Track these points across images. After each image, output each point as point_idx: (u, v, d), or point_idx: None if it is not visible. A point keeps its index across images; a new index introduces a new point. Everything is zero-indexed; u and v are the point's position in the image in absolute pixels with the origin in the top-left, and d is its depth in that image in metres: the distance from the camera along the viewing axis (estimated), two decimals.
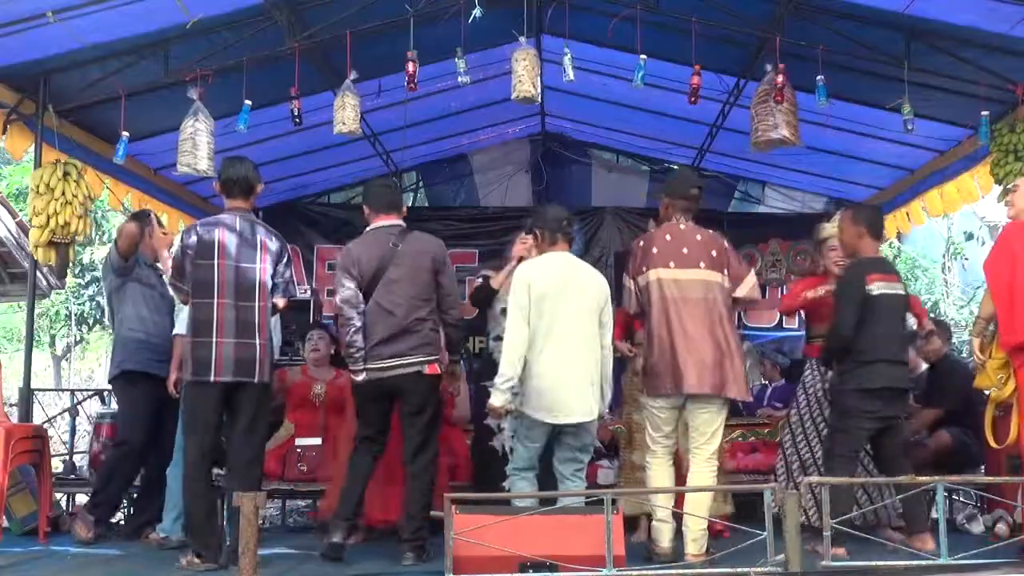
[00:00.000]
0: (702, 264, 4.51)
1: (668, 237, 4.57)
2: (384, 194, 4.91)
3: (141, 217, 5.53)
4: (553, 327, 4.40)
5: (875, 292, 4.71)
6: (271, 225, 4.82)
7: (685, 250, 4.52)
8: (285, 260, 4.65)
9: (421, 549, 4.51)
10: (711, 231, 4.67)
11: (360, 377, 4.62)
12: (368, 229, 4.81)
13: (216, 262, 4.45)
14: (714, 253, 4.55)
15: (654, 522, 4.53)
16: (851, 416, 4.71)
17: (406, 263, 4.64)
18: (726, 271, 4.60)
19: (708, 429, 4.48)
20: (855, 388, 4.70)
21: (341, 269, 4.71)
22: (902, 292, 4.88)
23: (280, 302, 4.62)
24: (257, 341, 4.47)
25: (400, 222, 4.80)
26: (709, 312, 4.46)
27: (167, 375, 5.19)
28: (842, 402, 4.78)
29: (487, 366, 5.23)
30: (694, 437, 4.52)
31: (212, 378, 4.39)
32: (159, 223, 5.62)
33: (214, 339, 4.40)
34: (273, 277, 4.58)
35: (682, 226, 4.61)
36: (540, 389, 4.39)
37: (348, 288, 4.65)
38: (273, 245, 4.61)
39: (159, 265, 5.38)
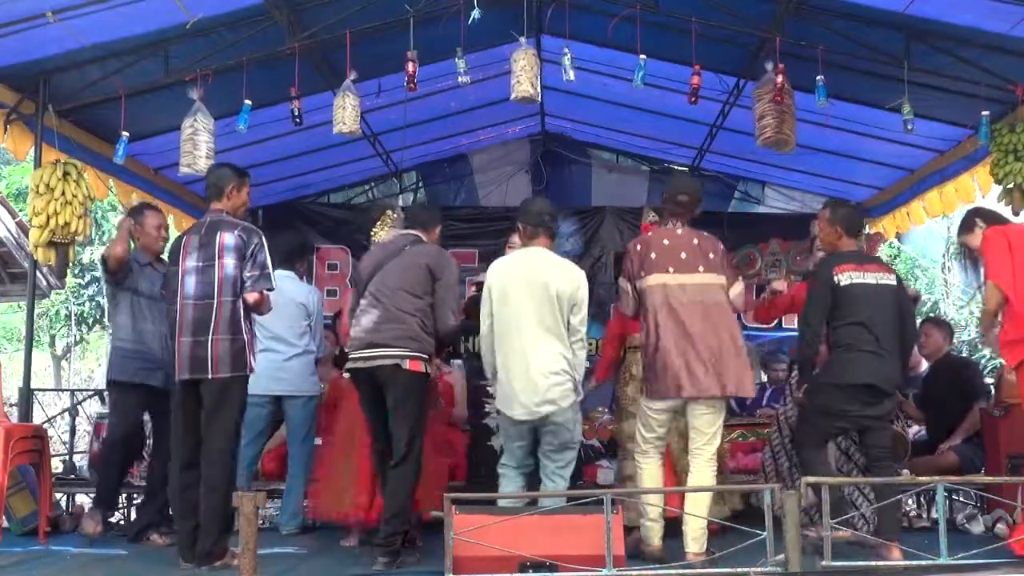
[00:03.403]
0: (701, 268, 4.53)
1: (665, 242, 4.60)
2: (415, 212, 5.23)
3: (133, 214, 5.45)
4: (515, 323, 4.45)
5: (843, 283, 4.59)
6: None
7: (683, 255, 4.54)
8: (251, 253, 4.57)
9: (394, 554, 4.40)
10: (707, 234, 4.67)
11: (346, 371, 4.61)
12: None
13: (180, 266, 4.58)
14: (711, 255, 4.57)
15: (645, 521, 4.50)
16: (827, 414, 4.60)
17: (404, 260, 4.66)
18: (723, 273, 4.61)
19: (709, 430, 4.47)
20: (833, 383, 4.57)
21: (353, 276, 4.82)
22: (888, 282, 4.69)
23: (249, 297, 4.56)
24: (211, 337, 4.47)
25: (418, 234, 4.82)
26: (709, 314, 4.46)
27: (160, 383, 5.15)
28: (819, 397, 4.62)
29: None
30: (695, 438, 4.51)
31: (176, 377, 4.53)
32: (155, 217, 5.45)
33: (177, 339, 4.52)
34: (242, 272, 4.56)
35: (679, 231, 4.63)
36: (505, 386, 4.46)
37: (352, 299, 4.81)
38: (232, 241, 4.55)
39: (156, 264, 5.33)
